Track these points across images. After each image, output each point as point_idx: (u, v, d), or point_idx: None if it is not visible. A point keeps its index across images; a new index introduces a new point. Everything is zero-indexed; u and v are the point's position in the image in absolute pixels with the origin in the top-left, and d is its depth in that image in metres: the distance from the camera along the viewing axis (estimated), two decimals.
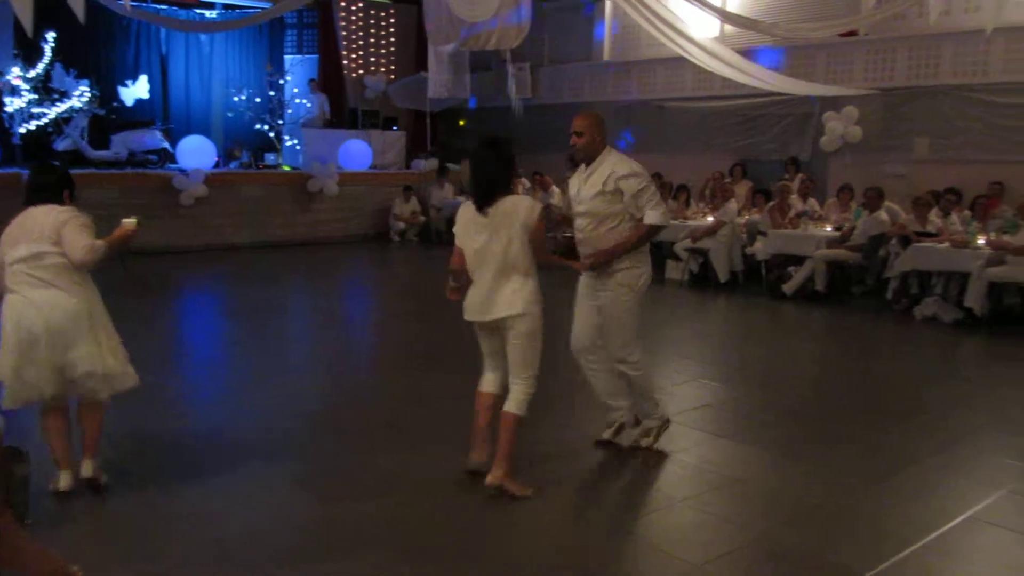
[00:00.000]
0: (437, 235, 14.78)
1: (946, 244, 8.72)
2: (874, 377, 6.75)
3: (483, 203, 4.05)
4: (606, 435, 4.78)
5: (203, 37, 15.50)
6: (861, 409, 5.68)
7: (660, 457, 4.60)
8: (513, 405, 4.05)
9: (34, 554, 2.74)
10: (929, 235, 9.05)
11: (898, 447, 4.85)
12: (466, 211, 4.17)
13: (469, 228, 4.12)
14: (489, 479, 4.01)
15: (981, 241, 8.67)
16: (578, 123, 4.45)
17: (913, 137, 11.35)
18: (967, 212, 9.62)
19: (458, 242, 4.19)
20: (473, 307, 4.12)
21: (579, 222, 4.51)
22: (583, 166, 4.54)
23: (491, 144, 4.15)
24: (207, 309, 9.45)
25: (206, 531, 3.64)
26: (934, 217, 9.38)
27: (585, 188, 4.46)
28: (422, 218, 14.93)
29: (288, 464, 4.43)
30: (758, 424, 5.31)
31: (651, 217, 4.36)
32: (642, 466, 4.53)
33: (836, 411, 5.63)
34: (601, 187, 4.38)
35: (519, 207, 4.03)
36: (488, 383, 4.29)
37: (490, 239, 4.04)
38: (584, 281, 4.62)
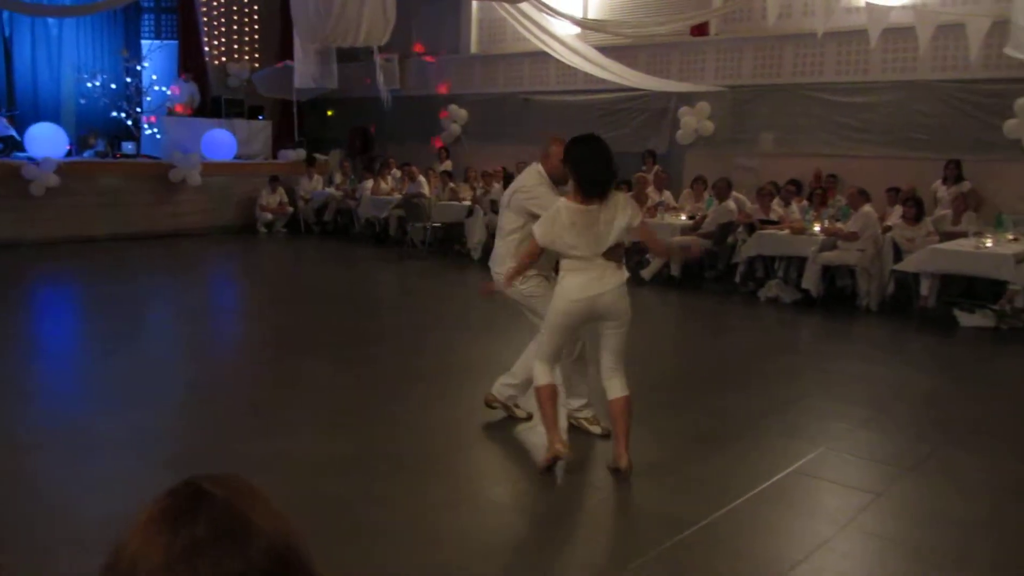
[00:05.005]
0: (306, 226, 14.67)
1: (786, 231, 9.44)
2: (719, 352, 7.30)
3: None
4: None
5: (51, 19, 14.72)
6: (705, 380, 6.17)
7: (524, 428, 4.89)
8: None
9: None
10: (772, 223, 9.78)
11: (734, 413, 5.32)
12: None
13: None
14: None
15: (817, 228, 9.45)
16: None
17: (759, 132, 12.16)
18: (806, 202, 10.44)
19: None
20: None
21: None
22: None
23: None
24: (62, 303, 9.11)
25: (63, 520, 3.63)
26: (776, 206, 10.13)
27: None
28: (290, 209, 14.75)
29: (153, 452, 4.45)
30: None
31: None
32: (501, 439, 4.80)
33: (683, 382, 6.11)
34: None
35: None
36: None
37: None
38: None
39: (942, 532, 3.72)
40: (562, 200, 4.19)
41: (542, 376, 4.34)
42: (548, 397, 4.31)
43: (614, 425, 4.32)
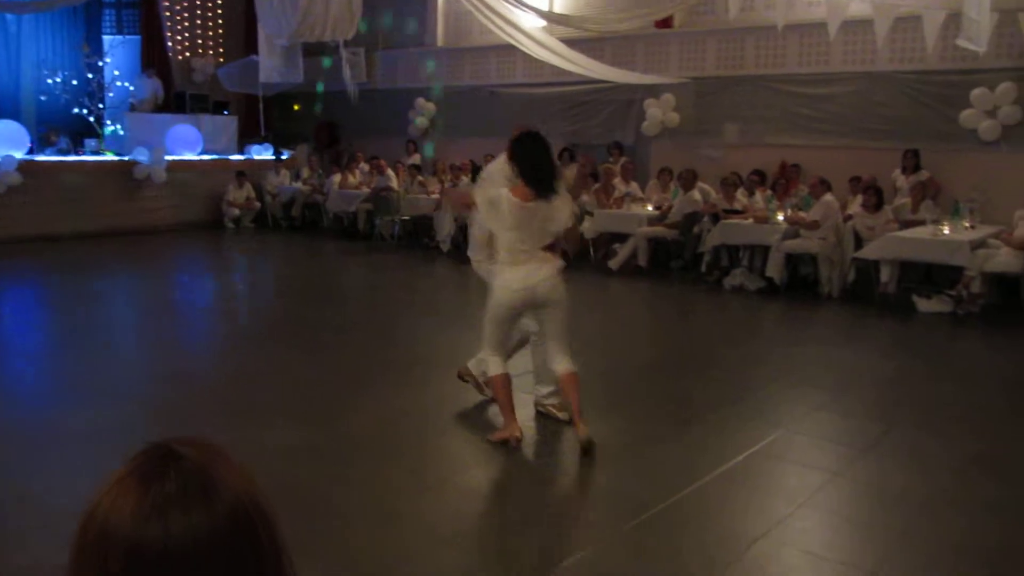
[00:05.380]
0: (273, 221, 14.60)
1: (750, 220, 9.59)
2: (686, 339, 7.43)
3: None
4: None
5: (9, 15, 14.48)
6: (670, 366, 6.30)
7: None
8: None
9: None
10: (736, 212, 9.92)
11: (699, 397, 5.44)
12: None
13: None
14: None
15: (780, 217, 9.61)
16: None
17: (723, 123, 12.31)
18: (769, 191, 10.60)
19: None
20: None
21: None
22: None
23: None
24: (26, 301, 9.01)
25: (34, 508, 3.65)
26: (740, 196, 10.28)
27: None
28: (257, 204, 14.66)
29: (123, 442, 4.41)
30: (584, 383, 5.76)
31: None
32: (468, 427, 4.88)
33: (650, 368, 6.22)
34: None
35: None
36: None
37: None
38: None
39: (896, 509, 3.85)
40: (505, 191, 4.32)
41: (494, 366, 4.56)
42: (502, 386, 4.53)
43: (566, 399, 4.55)
